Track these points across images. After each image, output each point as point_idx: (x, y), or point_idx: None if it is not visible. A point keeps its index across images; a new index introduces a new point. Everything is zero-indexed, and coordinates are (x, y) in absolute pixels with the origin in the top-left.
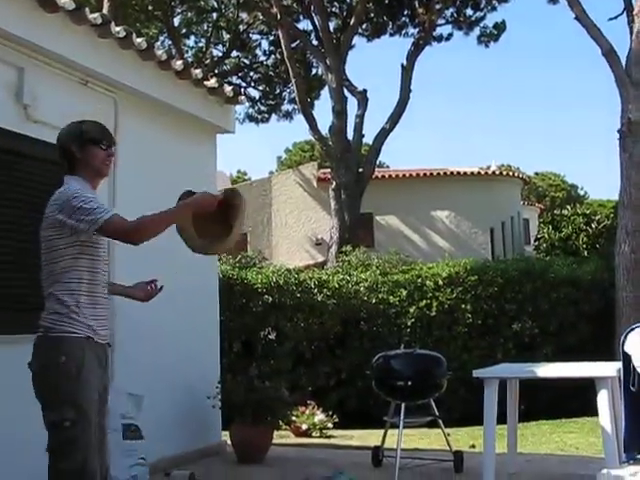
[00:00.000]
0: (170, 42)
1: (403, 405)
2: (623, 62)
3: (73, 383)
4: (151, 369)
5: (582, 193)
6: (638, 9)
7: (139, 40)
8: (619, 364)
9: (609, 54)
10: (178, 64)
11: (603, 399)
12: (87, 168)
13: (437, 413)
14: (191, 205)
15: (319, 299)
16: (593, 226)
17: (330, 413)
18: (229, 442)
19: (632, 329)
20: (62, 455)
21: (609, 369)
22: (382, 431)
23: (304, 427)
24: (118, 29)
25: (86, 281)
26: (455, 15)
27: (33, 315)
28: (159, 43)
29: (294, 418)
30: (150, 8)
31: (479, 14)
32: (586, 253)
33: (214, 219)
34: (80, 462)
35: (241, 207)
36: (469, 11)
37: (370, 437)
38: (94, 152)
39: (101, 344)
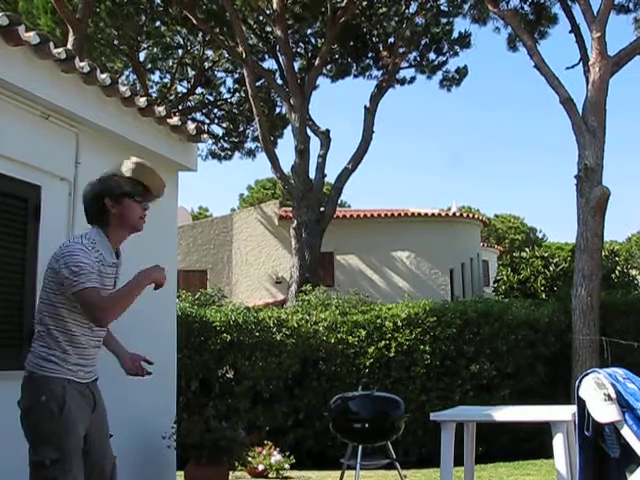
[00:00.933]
0: (135, 77)
1: (360, 447)
2: (580, 110)
3: (55, 422)
4: (105, 407)
5: (541, 236)
6: (593, 60)
7: (103, 76)
8: (574, 408)
9: (566, 102)
10: (142, 101)
11: (559, 443)
12: (122, 222)
13: (394, 455)
14: (144, 281)
15: (278, 338)
16: (551, 269)
17: (287, 454)
18: None
19: (587, 374)
20: None
21: (565, 413)
22: (339, 472)
23: (260, 468)
24: (82, 64)
25: (74, 329)
26: (418, 59)
27: None
28: (124, 77)
29: (250, 459)
30: (116, 42)
31: (441, 58)
32: (544, 295)
33: None
34: None
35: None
36: (432, 55)
37: (327, 479)
38: (130, 206)
39: (83, 383)
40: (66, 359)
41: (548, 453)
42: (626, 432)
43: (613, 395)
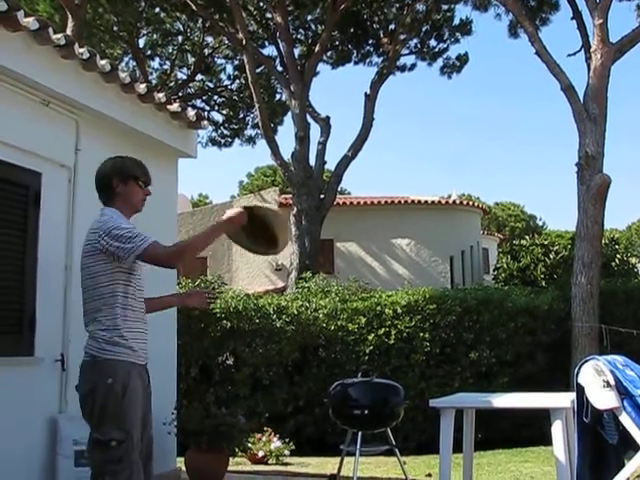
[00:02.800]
0: (134, 63)
1: (360, 433)
2: (581, 97)
3: (119, 404)
4: None
5: (541, 224)
6: (595, 47)
7: (103, 62)
8: (573, 395)
9: (568, 89)
10: (141, 87)
11: (557, 429)
12: (125, 203)
13: (394, 442)
14: (222, 225)
15: (278, 325)
16: (551, 257)
17: (287, 440)
18: (184, 469)
19: (586, 361)
20: (107, 474)
21: (563, 400)
22: (339, 459)
23: (260, 454)
24: (82, 50)
25: (127, 306)
26: (419, 46)
27: None
28: (123, 64)
29: (250, 445)
30: (115, 29)
31: (442, 45)
32: (544, 283)
33: (257, 232)
34: None
35: (268, 213)
36: (433, 42)
37: (327, 465)
38: (134, 189)
39: (142, 364)
40: (127, 341)
41: (547, 440)
42: (624, 419)
43: (612, 382)
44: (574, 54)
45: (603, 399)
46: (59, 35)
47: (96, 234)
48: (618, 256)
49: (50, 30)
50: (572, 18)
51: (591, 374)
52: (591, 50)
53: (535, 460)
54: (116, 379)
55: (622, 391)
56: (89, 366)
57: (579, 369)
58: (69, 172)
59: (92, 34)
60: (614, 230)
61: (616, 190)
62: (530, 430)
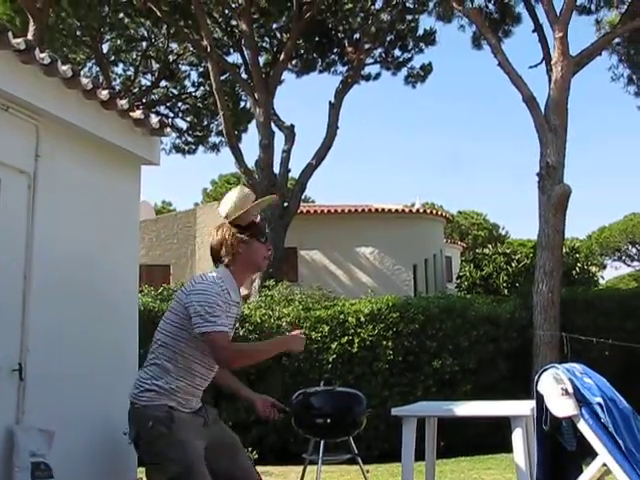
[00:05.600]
0: (98, 69)
1: (322, 442)
2: (542, 108)
3: (168, 440)
4: (65, 404)
5: (503, 232)
6: (556, 59)
7: (64, 67)
8: (534, 403)
9: (529, 101)
10: (104, 94)
11: (518, 437)
12: (248, 263)
13: (356, 451)
14: (284, 346)
15: (241, 333)
16: (513, 265)
17: (250, 449)
18: (145, 479)
19: (545, 369)
20: None
21: (524, 408)
22: (302, 467)
23: None
24: (42, 55)
25: (192, 365)
26: (383, 55)
27: None
28: (86, 69)
29: None
30: (78, 33)
31: (407, 55)
32: (506, 291)
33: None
34: None
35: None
36: (397, 52)
37: (290, 474)
38: (257, 247)
39: (188, 412)
40: (171, 390)
41: (510, 447)
42: (582, 426)
43: (570, 390)
44: (535, 66)
45: (562, 407)
46: (19, 39)
47: (189, 295)
48: (579, 265)
49: (10, 34)
50: (534, 31)
51: (550, 382)
52: (552, 62)
53: (497, 467)
54: (156, 421)
55: (580, 399)
56: (130, 413)
57: (539, 377)
58: (28, 178)
59: (54, 38)
60: (575, 239)
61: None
62: (493, 437)
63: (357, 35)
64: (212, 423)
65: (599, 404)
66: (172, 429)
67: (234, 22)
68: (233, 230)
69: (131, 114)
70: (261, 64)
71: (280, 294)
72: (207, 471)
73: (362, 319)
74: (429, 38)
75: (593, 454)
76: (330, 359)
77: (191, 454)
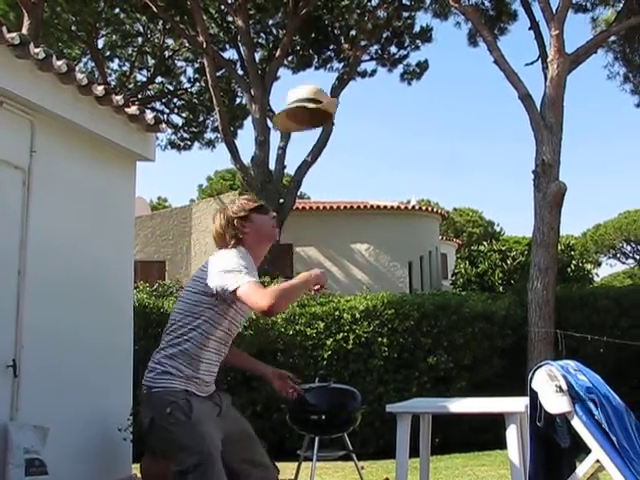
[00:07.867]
0: (93, 64)
1: (317, 439)
2: (538, 106)
3: (186, 428)
4: (59, 400)
5: (498, 229)
6: (552, 57)
7: (59, 63)
8: (528, 399)
9: (525, 98)
10: (99, 89)
11: (512, 434)
12: (259, 237)
13: (351, 447)
14: (310, 280)
15: None
16: (508, 262)
17: None
18: (140, 476)
19: (539, 366)
20: None
21: (518, 405)
22: (297, 464)
23: None
24: (37, 50)
25: (209, 345)
26: (379, 52)
27: None
28: (82, 65)
29: None
30: (73, 29)
31: (403, 52)
32: (501, 289)
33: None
34: None
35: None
36: (393, 49)
37: (285, 470)
38: (261, 220)
39: (204, 397)
40: (189, 373)
41: (504, 444)
42: (576, 423)
43: (564, 387)
44: (531, 63)
45: (556, 404)
46: (14, 34)
47: (207, 267)
48: (574, 262)
49: (4, 29)
50: (530, 28)
51: (544, 379)
52: (548, 60)
53: (491, 464)
54: (175, 407)
55: (574, 396)
56: (146, 398)
57: (533, 374)
58: (23, 174)
59: (49, 33)
60: (570, 237)
61: (572, 196)
62: (487, 434)
63: (353, 32)
64: (226, 411)
65: (593, 401)
66: (191, 417)
67: (230, 18)
68: (230, 213)
69: (126, 110)
70: (257, 60)
71: None
72: (222, 467)
73: (357, 316)
74: (425, 35)
75: (587, 451)
76: (325, 355)
77: (209, 445)
